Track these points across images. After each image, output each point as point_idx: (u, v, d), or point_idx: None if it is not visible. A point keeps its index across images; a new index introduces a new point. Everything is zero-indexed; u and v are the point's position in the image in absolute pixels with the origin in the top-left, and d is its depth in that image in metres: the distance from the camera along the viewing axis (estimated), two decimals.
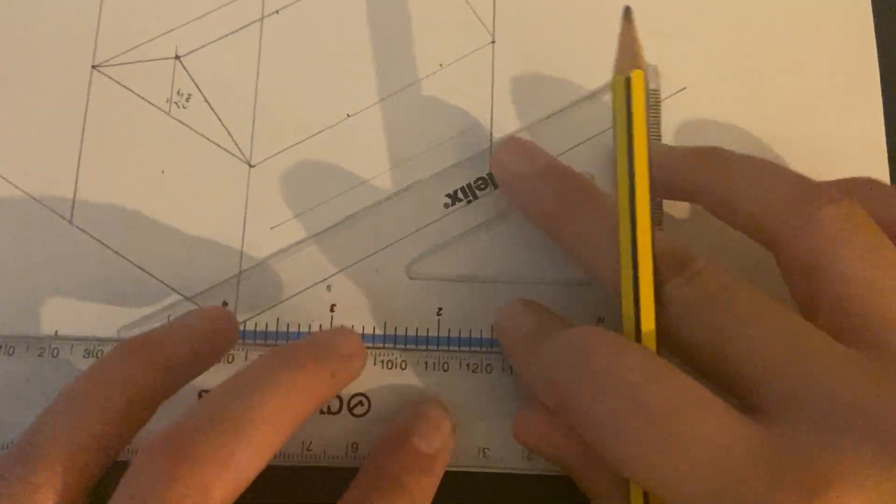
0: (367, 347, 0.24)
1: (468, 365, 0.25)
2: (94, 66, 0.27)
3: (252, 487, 0.24)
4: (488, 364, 0.25)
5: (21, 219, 0.26)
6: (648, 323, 0.19)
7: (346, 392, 0.24)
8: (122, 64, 0.27)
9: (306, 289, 0.25)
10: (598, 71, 0.27)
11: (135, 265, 0.25)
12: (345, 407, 0.24)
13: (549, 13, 0.28)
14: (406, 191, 0.26)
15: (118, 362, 0.20)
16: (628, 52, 0.20)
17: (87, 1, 0.27)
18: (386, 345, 0.25)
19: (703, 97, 0.27)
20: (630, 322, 0.19)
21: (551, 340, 0.20)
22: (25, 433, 0.19)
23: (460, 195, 0.26)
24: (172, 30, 0.27)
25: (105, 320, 0.25)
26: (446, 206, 0.26)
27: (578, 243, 0.22)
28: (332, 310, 0.25)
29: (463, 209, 0.26)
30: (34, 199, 0.26)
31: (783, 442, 0.16)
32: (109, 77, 0.27)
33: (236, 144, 0.26)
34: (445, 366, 0.24)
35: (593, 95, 0.27)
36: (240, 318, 0.25)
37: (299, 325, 0.25)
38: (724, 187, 0.22)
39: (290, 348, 0.20)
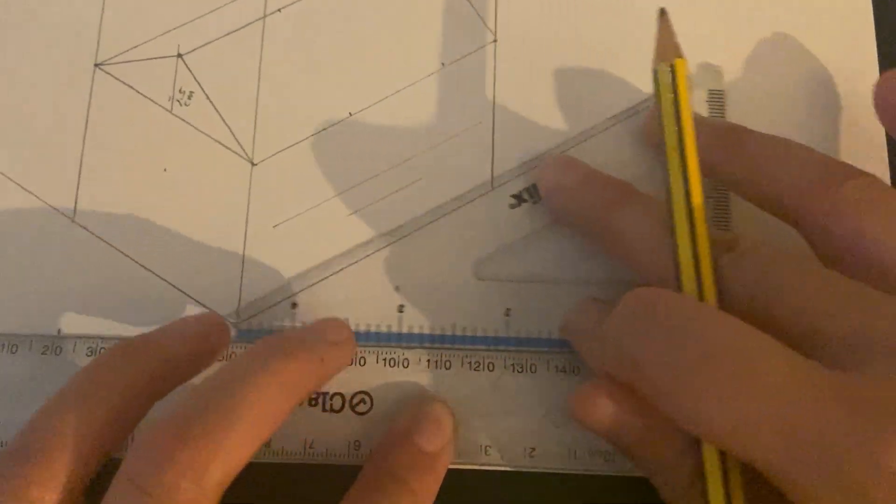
0: (435, 348, 0.25)
1: (470, 363, 0.25)
2: (96, 65, 0.27)
3: (255, 485, 0.24)
4: (490, 362, 0.25)
5: (23, 217, 0.26)
6: (710, 296, 0.20)
7: (349, 390, 0.24)
8: (125, 62, 0.27)
9: (375, 290, 0.25)
10: (599, 70, 0.27)
11: (137, 263, 0.25)
12: (347, 405, 0.24)
13: (552, 12, 0.28)
14: (470, 191, 0.26)
15: (114, 361, 0.20)
16: (668, 46, 0.21)
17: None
18: (456, 345, 0.25)
19: (703, 97, 0.27)
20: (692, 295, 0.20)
21: (617, 307, 0.20)
22: (23, 430, 0.19)
23: (525, 196, 0.26)
24: (175, 28, 0.27)
25: (108, 318, 0.25)
26: (512, 206, 0.26)
27: (621, 240, 0.22)
28: (400, 310, 0.25)
29: (529, 209, 0.26)
30: (37, 196, 0.26)
31: (859, 380, 0.16)
32: (112, 75, 0.27)
33: (238, 142, 0.26)
34: (448, 364, 0.25)
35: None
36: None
37: (369, 324, 0.25)
38: (745, 167, 0.22)
39: (280, 337, 0.21)
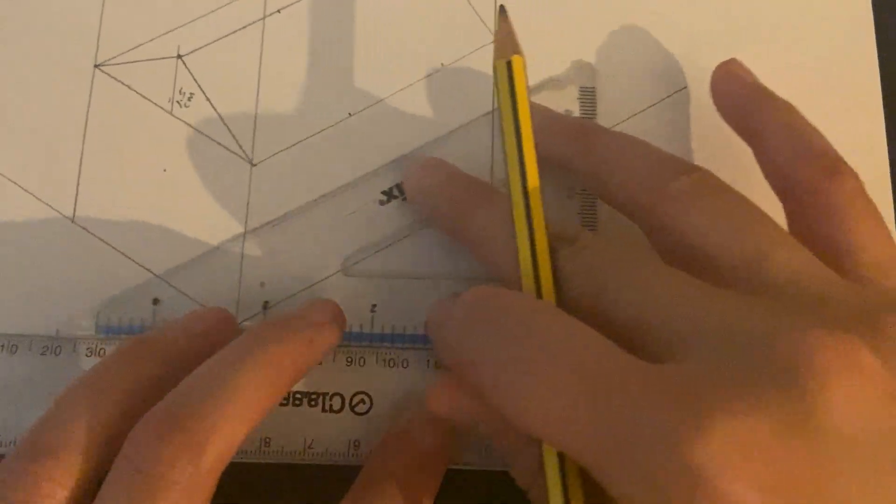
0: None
1: None
2: (96, 66, 0.27)
3: (254, 485, 0.24)
4: None
5: (23, 217, 0.26)
6: (548, 291, 0.20)
7: (348, 390, 0.24)
8: (125, 63, 0.27)
9: (240, 285, 0.25)
10: (599, 69, 0.27)
11: (136, 263, 0.25)
12: (347, 405, 0.24)
13: (550, 12, 0.28)
14: (341, 188, 0.26)
15: (123, 359, 0.21)
16: (507, 43, 0.22)
17: (89, 0, 0.27)
18: None
19: (703, 97, 0.27)
20: (530, 289, 0.20)
21: (455, 308, 0.20)
22: (35, 428, 0.19)
23: (396, 192, 0.26)
24: (174, 29, 0.27)
25: (107, 319, 0.25)
26: (381, 203, 0.26)
27: (478, 240, 0.23)
28: (265, 307, 0.25)
29: (398, 205, 0.26)
30: (36, 197, 0.26)
31: (673, 373, 0.16)
32: (112, 76, 0.27)
33: (238, 143, 0.26)
34: None
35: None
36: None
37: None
38: (592, 164, 0.23)
39: (268, 323, 0.22)
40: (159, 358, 0.21)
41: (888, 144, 0.27)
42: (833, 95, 0.27)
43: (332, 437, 0.24)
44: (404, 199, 0.26)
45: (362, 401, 0.24)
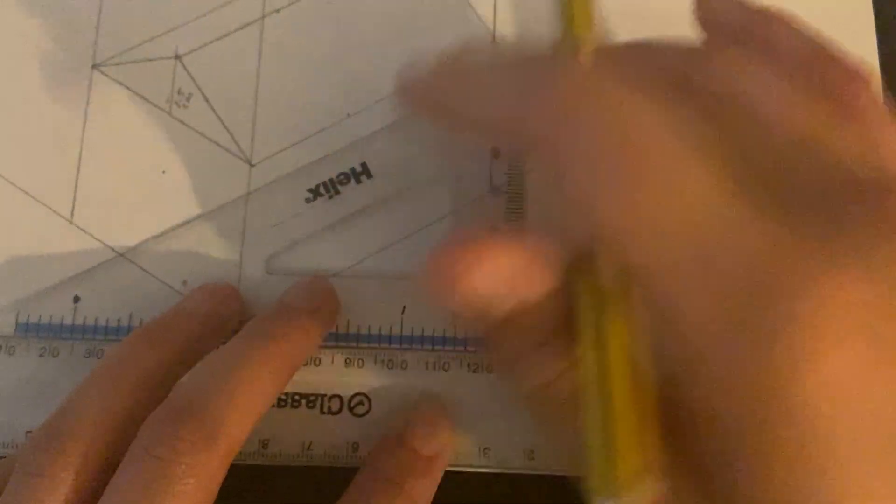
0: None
1: (468, 364, 0.25)
2: (94, 66, 0.27)
3: (253, 486, 0.24)
4: (489, 363, 0.25)
5: (21, 218, 0.26)
6: None
7: (347, 392, 0.24)
8: (123, 63, 0.27)
9: (161, 283, 0.25)
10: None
11: (135, 264, 0.25)
12: (346, 407, 0.24)
13: (550, 11, 0.28)
14: (268, 185, 0.26)
15: (133, 348, 0.21)
16: None
17: (87, 0, 0.27)
18: None
19: None
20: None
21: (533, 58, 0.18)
22: (53, 415, 0.20)
23: (322, 190, 0.26)
24: (173, 29, 0.27)
25: (106, 320, 0.25)
26: (308, 200, 0.26)
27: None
28: None
29: (324, 203, 0.26)
30: (34, 198, 0.26)
31: (781, 222, 0.15)
32: (110, 76, 0.27)
33: (237, 144, 0.26)
34: (446, 365, 0.25)
35: None
36: None
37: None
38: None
39: (266, 317, 0.22)
40: (172, 347, 0.22)
41: None
42: None
43: (331, 438, 0.24)
44: (330, 196, 0.26)
45: (361, 402, 0.24)
